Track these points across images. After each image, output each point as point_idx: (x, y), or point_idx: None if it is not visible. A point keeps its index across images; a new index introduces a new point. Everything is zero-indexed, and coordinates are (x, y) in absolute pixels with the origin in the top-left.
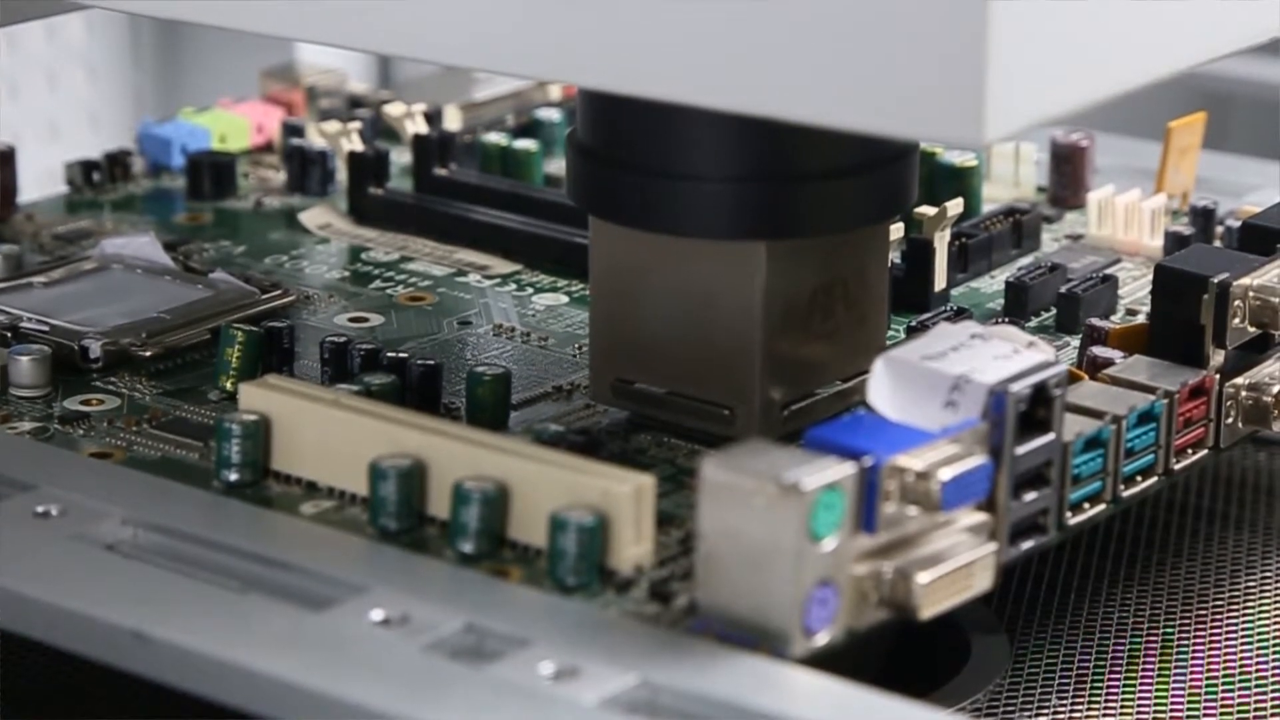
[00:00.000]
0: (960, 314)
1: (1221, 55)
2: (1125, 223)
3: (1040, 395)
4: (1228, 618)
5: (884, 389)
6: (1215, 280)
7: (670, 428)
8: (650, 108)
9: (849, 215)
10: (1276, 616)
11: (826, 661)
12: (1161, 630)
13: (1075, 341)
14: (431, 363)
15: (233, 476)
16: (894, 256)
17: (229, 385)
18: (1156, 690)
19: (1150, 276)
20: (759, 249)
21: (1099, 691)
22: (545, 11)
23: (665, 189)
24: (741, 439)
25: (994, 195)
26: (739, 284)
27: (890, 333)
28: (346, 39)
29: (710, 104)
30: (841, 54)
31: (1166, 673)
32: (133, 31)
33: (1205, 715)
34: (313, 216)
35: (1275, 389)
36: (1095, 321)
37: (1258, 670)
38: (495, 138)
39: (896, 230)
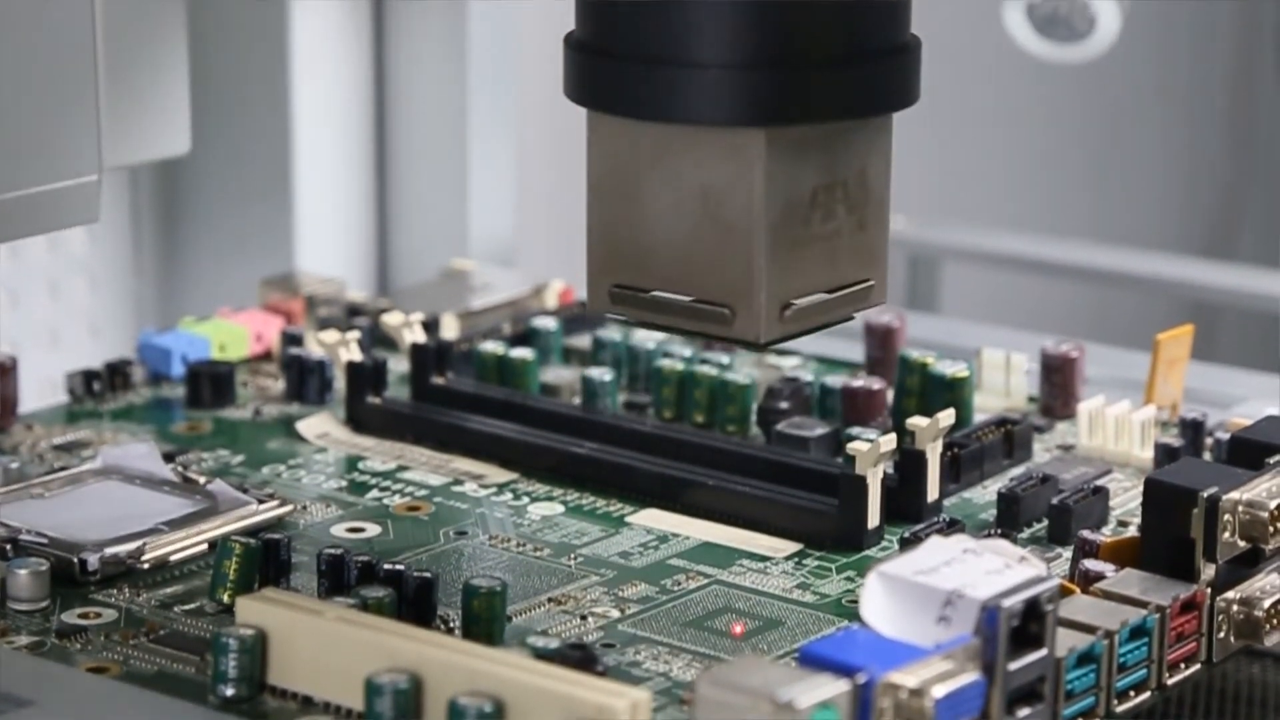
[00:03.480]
0: (953, 525)
1: None
2: (1116, 434)
3: (1033, 610)
4: None
5: (877, 603)
6: (1205, 494)
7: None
8: None
9: (848, 104)
10: None
11: None
12: None
13: (1067, 553)
14: (427, 575)
15: (229, 691)
16: (887, 467)
17: (226, 598)
18: None
19: (1141, 487)
20: (759, 139)
21: None
22: None
23: (662, 76)
24: (741, 337)
25: (985, 405)
26: (739, 177)
27: (883, 543)
28: None
29: None
30: None
31: None
32: (134, 241)
33: None
34: (311, 425)
35: (1267, 603)
36: (1087, 534)
37: None
38: (492, 346)
39: (889, 442)
